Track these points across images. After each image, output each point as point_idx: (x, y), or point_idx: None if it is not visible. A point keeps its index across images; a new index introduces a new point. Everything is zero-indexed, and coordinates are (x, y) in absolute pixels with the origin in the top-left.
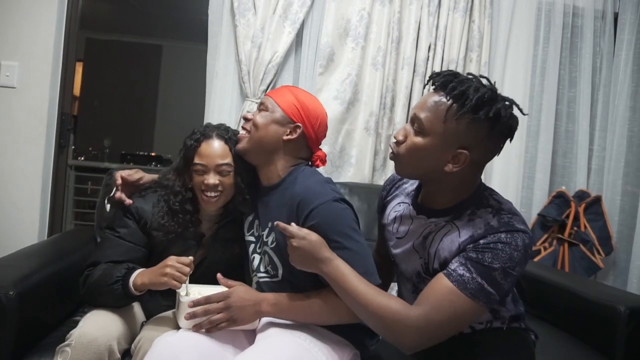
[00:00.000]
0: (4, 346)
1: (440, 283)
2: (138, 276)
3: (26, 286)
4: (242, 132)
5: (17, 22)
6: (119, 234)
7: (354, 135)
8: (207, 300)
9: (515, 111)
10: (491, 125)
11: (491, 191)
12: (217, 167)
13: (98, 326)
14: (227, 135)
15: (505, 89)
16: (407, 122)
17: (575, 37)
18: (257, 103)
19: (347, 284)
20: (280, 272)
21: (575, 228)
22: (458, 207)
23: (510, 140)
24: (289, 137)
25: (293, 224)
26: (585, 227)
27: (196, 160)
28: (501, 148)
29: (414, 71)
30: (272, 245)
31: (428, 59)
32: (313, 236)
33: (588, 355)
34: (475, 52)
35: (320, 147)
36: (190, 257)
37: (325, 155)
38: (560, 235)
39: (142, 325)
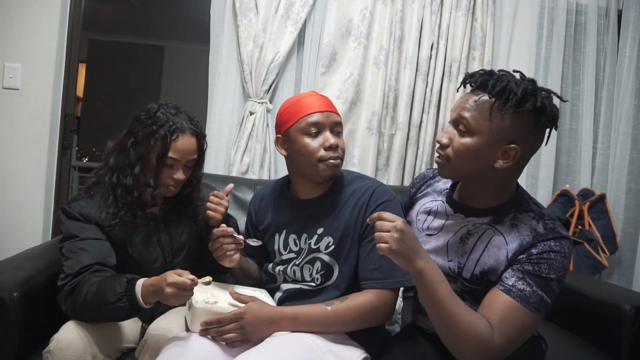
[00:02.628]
0: (7, 347)
1: (502, 300)
2: (146, 294)
3: (29, 288)
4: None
5: (20, 24)
6: (80, 237)
7: (357, 135)
8: (220, 322)
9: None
10: (537, 116)
11: (528, 194)
12: (187, 162)
13: (74, 330)
14: (199, 129)
15: None
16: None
17: (578, 35)
18: (259, 103)
19: (441, 290)
20: (335, 275)
21: (579, 226)
22: (499, 208)
23: (556, 129)
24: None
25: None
26: (589, 225)
27: (171, 155)
28: (548, 138)
29: (416, 70)
30: (328, 250)
31: (431, 58)
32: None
33: (593, 355)
34: (478, 50)
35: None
36: (189, 276)
37: None
38: None
39: (143, 327)
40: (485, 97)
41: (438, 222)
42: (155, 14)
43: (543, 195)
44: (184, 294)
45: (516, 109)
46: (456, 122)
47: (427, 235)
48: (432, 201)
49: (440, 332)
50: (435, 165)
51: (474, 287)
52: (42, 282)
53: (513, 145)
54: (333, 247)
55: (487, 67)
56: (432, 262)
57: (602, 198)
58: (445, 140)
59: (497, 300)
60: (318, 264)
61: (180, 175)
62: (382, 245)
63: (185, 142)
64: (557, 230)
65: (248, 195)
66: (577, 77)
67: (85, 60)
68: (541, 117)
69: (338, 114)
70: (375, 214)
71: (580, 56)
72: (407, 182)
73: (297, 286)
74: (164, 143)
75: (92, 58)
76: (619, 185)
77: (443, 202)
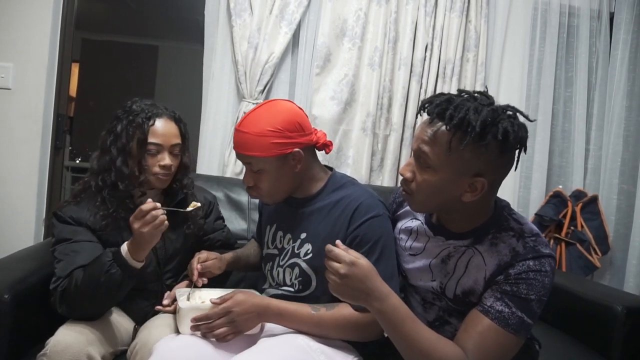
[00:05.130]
0: None
1: (480, 322)
2: (130, 250)
3: (21, 289)
4: (251, 194)
5: (12, 23)
6: (73, 240)
7: (351, 135)
8: (209, 317)
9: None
10: (501, 145)
11: (509, 210)
12: (172, 148)
13: (72, 332)
14: (176, 115)
15: (501, 89)
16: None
17: (571, 37)
18: (254, 104)
19: (405, 328)
20: (312, 285)
21: (572, 227)
22: (478, 230)
23: (525, 151)
24: (299, 165)
25: (339, 242)
26: (582, 226)
27: (151, 140)
28: (518, 161)
29: (410, 71)
30: (306, 258)
31: (425, 59)
32: (363, 261)
33: (585, 355)
34: (472, 52)
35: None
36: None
37: (325, 135)
38: (557, 235)
39: (135, 329)
40: (444, 129)
41: (419, 244)
42: (149, 13)
43: (536, 196)
44: (148, 217)
45: (476, 142)
46: (416, 155)
47: (410, 255)
48: (412, 220)
49: None
50: None
51: (459, 308)
52: (34, 284)
53: (479, 178)
54: (311, 255)
55: (481, 69)
56: (392, 300)
57: (594, 199)
58: (408, 175)
59: (476, 322)
60: (297, 270)
61: (167, 160)
62: (329, 285)
63: (163, 125)
64: (537, 249)
65: (242, 196)
66: (570, 79)
67: (78, 59)
68: (506, 145)
69: (246, 154)
70: (328, 248)
71: (572, 58)
72: None
73: (279, 291)
74: (142, 129)
75: (85, 57)
76: (611, 186)
77: (422, 223)
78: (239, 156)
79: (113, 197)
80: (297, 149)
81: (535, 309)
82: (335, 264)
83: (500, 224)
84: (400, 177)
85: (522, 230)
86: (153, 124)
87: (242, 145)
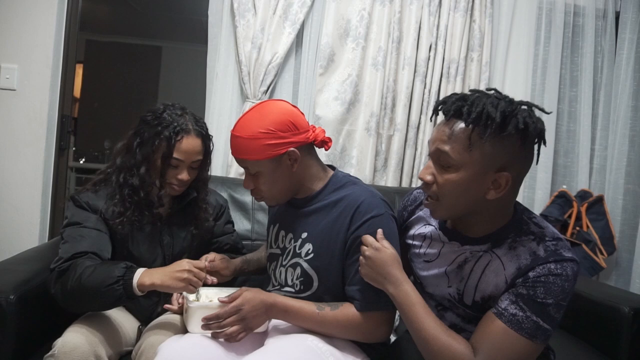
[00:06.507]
0: (4, 351)
1: (493, 325)
2: (145, 276)
3: (26, 290)
4: (254, 197)
5: (17, 25)
6: (82, 225)
7: (355, 135)
8: (219, 317)
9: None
10: (522, 136)
11: (529, 213)
12: (193, 163)
13: (79, 333)
14: (204, 130)
15: (506, 89)
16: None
17: (576, 36)
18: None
19: (414, 313)
20: (314, 286)
21: (577, 228)
22: (496, 234)
23: (545, 144)
24: (296, 165)
25: (380, 230)
26: (587, 226)
27: (175, 155)
28: (538, 155)
29: (414, 71)
30: (308, 258)
31: (429, 59)
32: (388, 251)
33: (591, 357)
34: (477, 51)
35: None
36: (206, 260)
37: (323, 132)
38: (562, 235)
39: (140, 329)
40: (462, 125)
41: (434, 249)
42: (152, 14)
43: (541, 196)
44: (196, 277)
45: (497, 134)
46: (435, 156)
47: (425, 261)
48: (425, 225)
49: (422, 353)
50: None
51: (478, 314)
52: (39, 285)
53: (503, 173)
54: (312, 255)
55: (486, 69)
56: (405, 286)
57: (600, 199)
58: (429, 178)
59: (489, 324)
60: (298, 270)
61: (184, 175)
62: (359, 268)
63: (189, 142)
64: (558, 253)
65: (246, 197)
66: (575, 79)
67: (83, 60)
68: (526, 137)
69: (242, 157)
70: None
71: (578, 58)
72: (405, 183)
73: (281, 293)
74: (169, 144)
75: (89, 58)
76: (616, 186)
77: (436, 228)
78: (236, 160)
79: (132, 199)
80: (292, 149)
81: (553, 314)
82: (364, 247)
83: (520, 228)
84: (420, 182)
85: (542, 233)
86: (180, 141)
87: (237, 149)
